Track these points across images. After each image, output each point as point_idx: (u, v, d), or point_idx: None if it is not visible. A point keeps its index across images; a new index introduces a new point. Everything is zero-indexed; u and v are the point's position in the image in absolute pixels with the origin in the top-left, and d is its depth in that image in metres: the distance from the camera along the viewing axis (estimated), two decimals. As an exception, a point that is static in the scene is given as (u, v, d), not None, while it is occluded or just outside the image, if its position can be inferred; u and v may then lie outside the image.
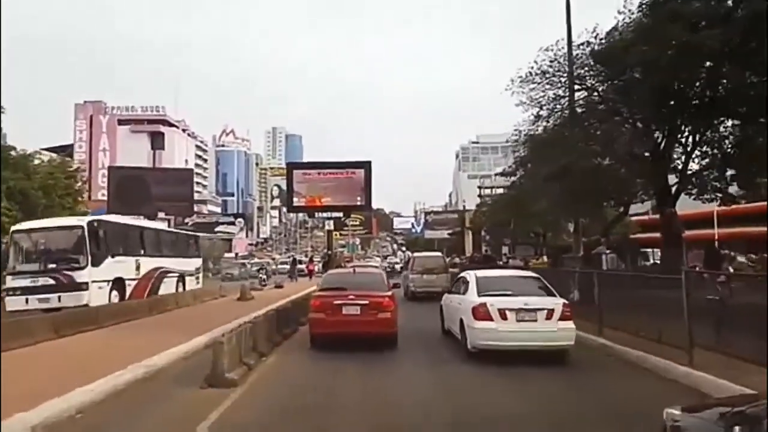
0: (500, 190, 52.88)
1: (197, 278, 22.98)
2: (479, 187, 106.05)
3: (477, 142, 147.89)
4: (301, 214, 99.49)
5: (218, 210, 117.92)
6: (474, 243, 51.99)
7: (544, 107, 16.88)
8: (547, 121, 16.90)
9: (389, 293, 10.92)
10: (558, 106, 16.88)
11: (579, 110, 17.00)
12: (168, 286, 19.37)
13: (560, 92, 16.69)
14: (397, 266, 44.08)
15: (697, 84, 13.31)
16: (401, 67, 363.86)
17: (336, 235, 78.61)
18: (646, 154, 16.02)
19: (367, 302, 10.28)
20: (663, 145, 16.09)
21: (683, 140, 16.14)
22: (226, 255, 56.36)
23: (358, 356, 9.26)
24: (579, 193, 16.20)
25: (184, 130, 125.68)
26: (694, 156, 16.14)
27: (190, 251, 23.46)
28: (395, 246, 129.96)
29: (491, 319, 8.82)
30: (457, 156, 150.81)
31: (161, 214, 51.32)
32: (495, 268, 14.82)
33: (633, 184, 17.11)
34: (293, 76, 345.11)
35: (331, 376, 7.89)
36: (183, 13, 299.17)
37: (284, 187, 50.69)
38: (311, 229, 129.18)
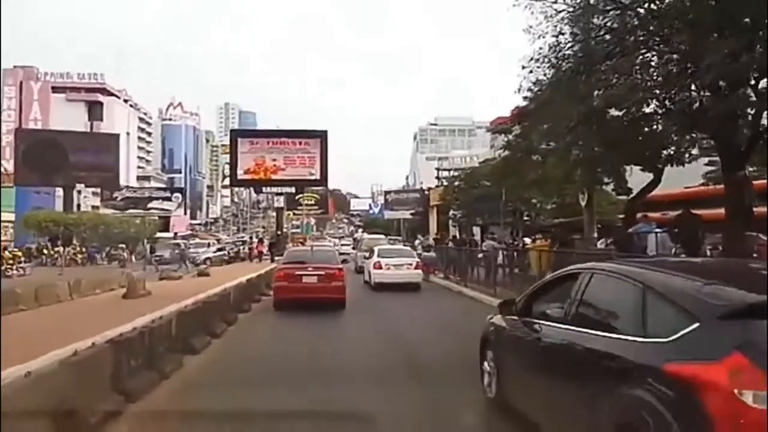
0: (457, 173, 48.45)
1: None
2: (437, 169, 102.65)
3: (435, 124, 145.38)
4: (254, 194, 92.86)
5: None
6: (439, 224, 47.34)
7: (569, 26, 11.95)
8: (580, 43, 11.86)
9: (340, 266, 13.37)
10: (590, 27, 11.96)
11: (607, 37, 12.27)
12: None
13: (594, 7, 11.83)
14: (347, 248, 38.31)
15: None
16: (361, 45, 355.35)
17: (290, 214, 72.76)
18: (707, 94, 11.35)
19: (323, 273, 12.36)
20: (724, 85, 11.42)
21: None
22: (162, 234, 49.62)
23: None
24: (617, 147, 11.54)
25: (126, 101, 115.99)
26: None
27: None
28: (353, 228, 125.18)
29: (381, 268, 17.42)
30: (414, 138, 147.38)
31: (80, 186, 44.31)
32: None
33: (684, 138, 12.54)
34: (246, 53, 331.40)
35: None
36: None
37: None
38: (264, 209, 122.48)
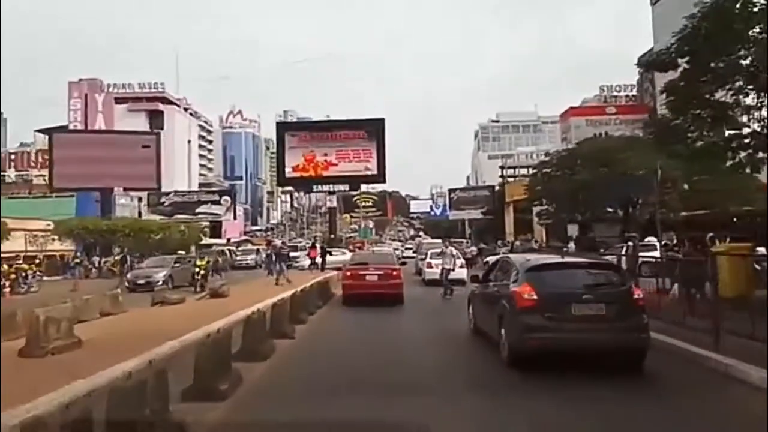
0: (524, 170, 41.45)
1: None
2: (501, 167, 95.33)
3: (497, 121, 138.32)
4: (307, 194, 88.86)
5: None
6: (516, 223, 40.92)
7: None
8: None
9: (398, 266, 16.78)
10: None
11: None
12: None
13: None
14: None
15: None
16: (415, 46, 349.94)
17: (347, 217, 68.19)
18: None
19: (383, 272, 15.27)
20: None
21: None
22: (213, 240, 45.90)
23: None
24: None
25: (186, 109, 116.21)
26: None
27: None
28: (413, 231, 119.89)
29: (432, 267, 20.99)
30: (476, 135, 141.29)
31: (119, 190, 41.27)
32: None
33: None
34: (303, 59, 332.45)
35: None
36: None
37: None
38: (324, 214, 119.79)
